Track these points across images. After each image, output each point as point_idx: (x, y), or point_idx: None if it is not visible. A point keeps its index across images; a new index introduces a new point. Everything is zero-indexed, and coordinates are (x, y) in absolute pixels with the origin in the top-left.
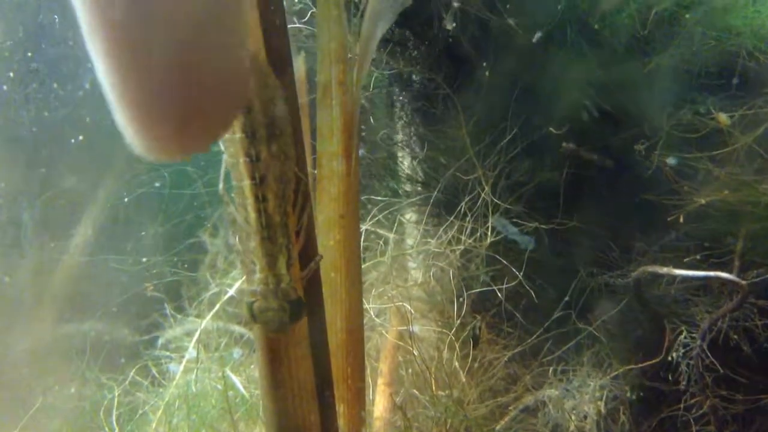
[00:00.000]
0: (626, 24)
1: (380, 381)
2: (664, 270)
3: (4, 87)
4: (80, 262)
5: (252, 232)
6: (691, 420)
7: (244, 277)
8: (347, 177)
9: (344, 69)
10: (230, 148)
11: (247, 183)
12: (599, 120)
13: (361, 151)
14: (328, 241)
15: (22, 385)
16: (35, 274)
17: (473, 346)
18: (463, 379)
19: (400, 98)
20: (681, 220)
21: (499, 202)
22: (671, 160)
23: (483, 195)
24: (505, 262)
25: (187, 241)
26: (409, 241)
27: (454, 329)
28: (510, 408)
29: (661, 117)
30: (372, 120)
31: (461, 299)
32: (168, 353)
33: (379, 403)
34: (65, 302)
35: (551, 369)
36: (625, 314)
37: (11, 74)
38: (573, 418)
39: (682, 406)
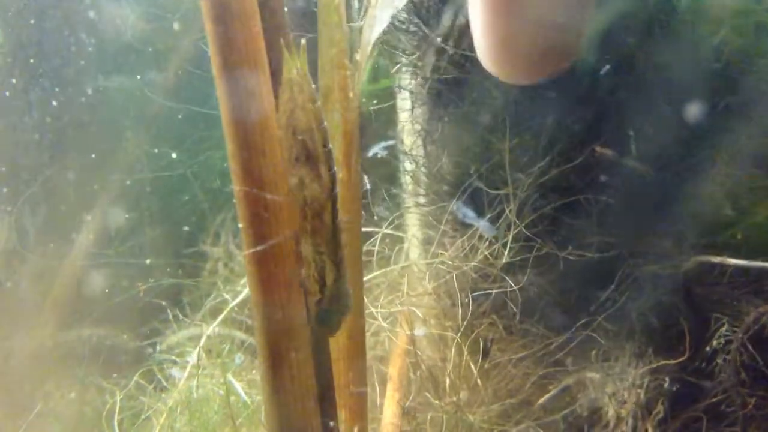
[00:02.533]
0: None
1: (389, 386)
2: (718, 259)
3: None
4: (81, 266)
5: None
6: (723, 416)
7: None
8: (348, 183)
9: (345, 75)
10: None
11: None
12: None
13: (379, 151)
14: None
15: (22, 390)
16: (36, 278)
17: (483, 357)
18: (478, 382)
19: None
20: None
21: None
22: None
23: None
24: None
25: (189, 249)
26: (417, 252)
27: (461, 332)
28: (550, 387)
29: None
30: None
31: (473, 302)
32: (171, 357)
33: (388, 409)
34: (66, 307)
35: (593, 352)
36: (669, 307)
37: (13, 80)
38: (612, 402)
39: (711, 401)
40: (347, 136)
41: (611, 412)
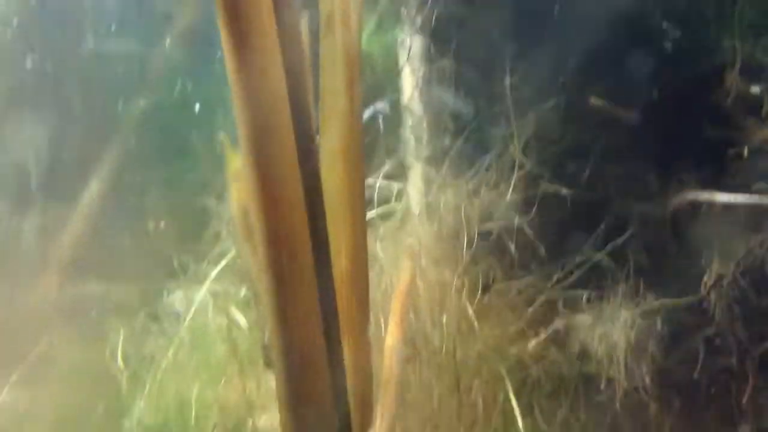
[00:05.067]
0: None
1: (391, 321)
2: (706, 195)
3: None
4: (87, 222)
5: None
6: (718, 350)
7: None
8: (350, 114)
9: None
10: None
11: None
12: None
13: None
14: (331, 178)
15: (23, 338)
16: (40, 235)
17: (482, 293)
18: (471, 313)
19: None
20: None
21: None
22: (755, 89)
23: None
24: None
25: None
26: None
27: (462, 269)
28: (540, 329)
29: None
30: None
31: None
32: (175, 303)
33: (392, 334)
34: (70, 263)
35: (584, 296)
36: (660, 247)
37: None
38: (602, 344)
39: (705, 336)
40: (349, 63)
41: (601, 353)
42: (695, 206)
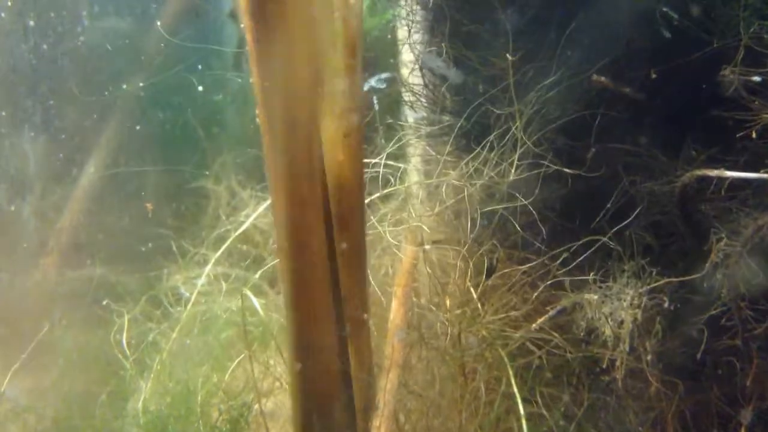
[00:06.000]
0: None
1: (394, 302)
2: (715, 172)
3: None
4: (85, 205)
5: None
6: (724, 329)
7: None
8: (351, 95)
9: None
10: None
11: None
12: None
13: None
14: (332, 161)
15: (26, 321)
16: (40, 218)
17: (487, 276)
18: (474, 296)
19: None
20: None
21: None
22: (756, 78)
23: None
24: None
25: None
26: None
27: (466, 248)
28: (547, 308)
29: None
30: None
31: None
32: (179, 286)
33: (394, 321)
34: (70, 245)
35: (591, 275)
36: (667, 225)
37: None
38: (609, 322)
39: (711, 314)
40: (349, 42)
41: (608, 332)
42: (703, 184)
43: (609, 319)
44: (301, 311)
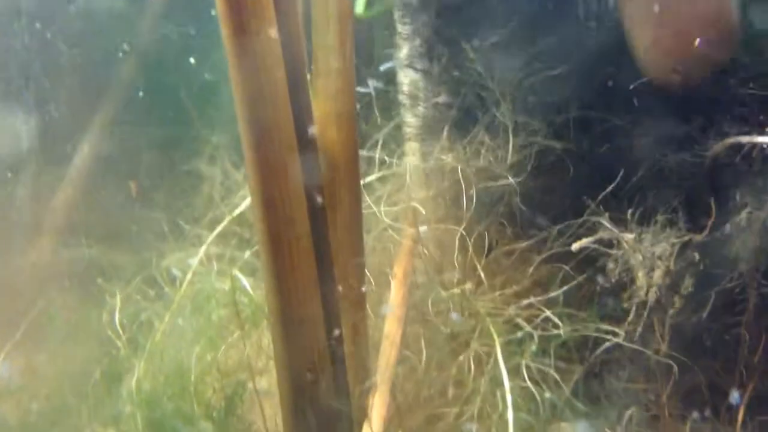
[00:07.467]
0: None
1: (393, 283)
2: (746, 139)
3: None
4: (78, 186)
5: None
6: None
7: None
8: (344, 73)
9: None
10: None
11: None
12: None
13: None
14: (325, 139)
15: (20, 300)
16: (33, 199)
17: (487, 253)
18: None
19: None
20: None
21: None
22: None
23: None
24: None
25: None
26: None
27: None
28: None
29: None
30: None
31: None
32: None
33: (393, 301)
34: (63, 226)
35: (629, 213)
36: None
37: None
38: (643, 264)
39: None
40: (342, 20)
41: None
42: (735, 149)
43: (643, 261)
44: (279, 279)
